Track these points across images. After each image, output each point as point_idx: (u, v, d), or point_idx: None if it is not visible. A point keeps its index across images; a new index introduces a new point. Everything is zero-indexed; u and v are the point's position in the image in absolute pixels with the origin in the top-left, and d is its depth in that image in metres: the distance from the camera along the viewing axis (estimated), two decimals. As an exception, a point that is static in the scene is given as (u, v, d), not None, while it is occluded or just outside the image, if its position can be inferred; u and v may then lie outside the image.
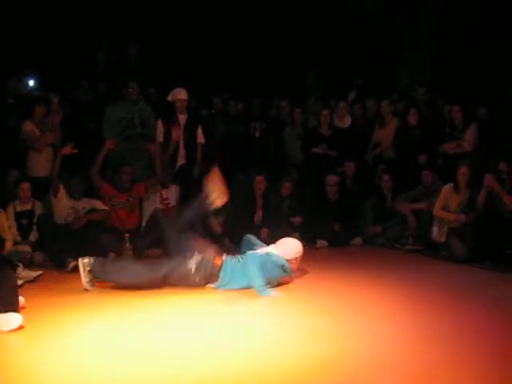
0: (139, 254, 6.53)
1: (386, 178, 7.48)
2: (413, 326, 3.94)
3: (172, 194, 7.24)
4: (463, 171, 6.44)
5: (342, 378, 3.09)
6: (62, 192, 6.56)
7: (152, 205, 7.06)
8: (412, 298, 4.68)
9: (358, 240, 7.29)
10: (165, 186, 7.19)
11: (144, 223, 7.04)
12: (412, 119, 7.70)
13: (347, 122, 8.27)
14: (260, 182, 7.29)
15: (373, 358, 3.35)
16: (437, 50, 10.02)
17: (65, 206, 6.53)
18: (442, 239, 6.46)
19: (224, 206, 7.25)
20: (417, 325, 3.97)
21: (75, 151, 6.53)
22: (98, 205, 6.70)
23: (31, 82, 8.33)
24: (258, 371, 3.15)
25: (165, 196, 7.09)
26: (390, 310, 4.35)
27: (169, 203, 7.04)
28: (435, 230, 6.55)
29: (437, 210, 6.53)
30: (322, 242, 7.08)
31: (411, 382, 3.07)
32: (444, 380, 3.06)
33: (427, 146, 7.49)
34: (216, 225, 7.05)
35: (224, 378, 3.09)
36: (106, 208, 6.72)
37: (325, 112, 8.13)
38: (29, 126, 7.07)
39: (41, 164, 7.09)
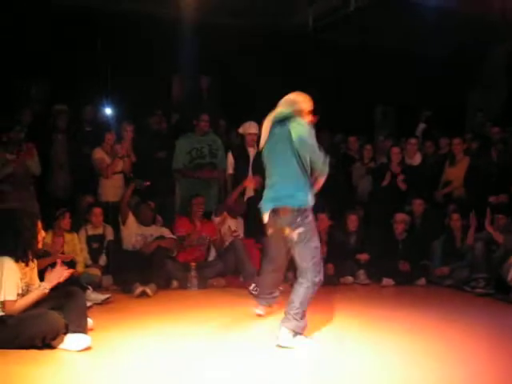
0: (204, 284, 6.59)
1: (455, 217, 7.30)
2: (480, 370, 3.79)
3: (240, 225, 7.27)
4: None
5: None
6: (131, 219, 6.70)
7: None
8: (485, 342, 4.51)
9: (422, 281, 7.11)
10: (234, 217, 7.22)
11: (213, 252, 7.07)
12: (494, 154, 7.49)
13: (417, 159, 8.15)
14: (321, 220, 7.21)
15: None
16: (508, 88, 9.81)
17: (134, 232, 6.68)
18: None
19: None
20: (484, 368, 3.82)
21: (148, 184, 6.68)
22: (167, 233, 6.81)
23: (108, 111, 8.59)
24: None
25: (233, 228, 7.12)
26: (462, 354, 4.21)
27: (238, 235, 7.06)
28: (511, 273, 6.30)
29: None
30: (388, 281, 6.94)
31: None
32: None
33: (501, 186, 7.28)
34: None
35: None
36: (174, 236, 6.81)
37: (395, 149, 8.02)
38: (99, 153, 7.29)
39: (111, 190, 7.29)
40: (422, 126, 9.18)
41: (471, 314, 5.64)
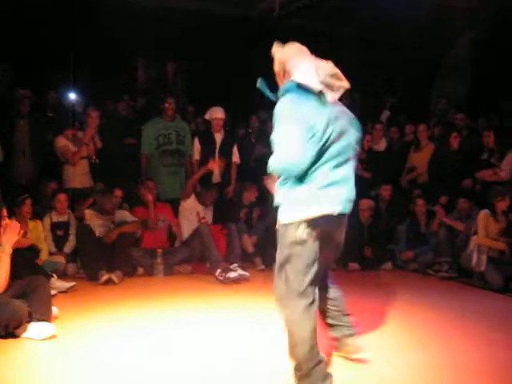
0: (170, 270, 6.57)
1: (420, 202, 7.40)
2: (444, 354, 3.87)
3: (209, 212, 7.27)
4: (501, 200, 6.35)
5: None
6: (88, 215, 6.61)
7: (188, 222, 7.07)
8: (445, 325, 4.61)
9: (388, 265, 7.21)
10: (205, 205, 7.21)
11: (181, 239, 7.05)
12: (454, 142, 7.61)
13: (382, 145, 8.23)
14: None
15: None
16: (472, 76, 9.94)
17: (95, 225, 6.57)
18: (482, 268, 6.31)
19: (257, 224, 7.35)
20: (448, 353, 3.90)
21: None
22: (128, 216, 6.75)
23: (72, 96, 8.46)
24: None
25: (202, 215, 7.10)
26: (419, 336, 4.30)
27: (206, 222, 7.04)
28: (474, 258, 6.42)
29: (481, 239, 6.37)
30: (353, 265, 7.02)
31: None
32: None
33: (464, 171, 7.41)
34: (248, 244, 7.06)
35: None
36: (136, 219, 6.75)
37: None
38: (62, 142, 7.16)
39: (76, 176, 7.18)
40: (386, 113, 9.26)
41: (433, 296, 5.74)
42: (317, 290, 3.11)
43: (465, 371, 3.59)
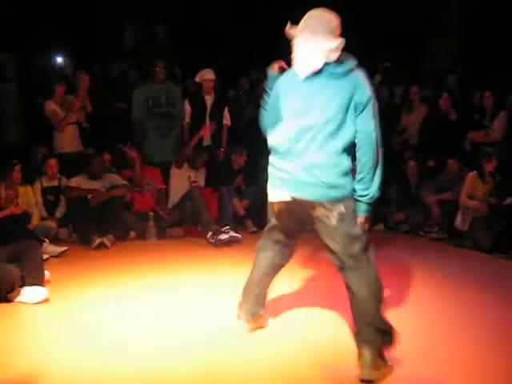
0: (162, 234, 6.59)
1: (411, 164, 7.41)
2: (434, 313, 3.93)
3: (201, 176, 7.26)
4: (488, 161, 6.37)
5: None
6: (77, 181, 6.58)
7: (179, 186, 7.07)
8: (433, 285, 4.66)
9: (380, 226, 7.25)
10: (195, 168, 7.19)
11: (172, 202, 7.04)
12: (443, 104, 7.58)
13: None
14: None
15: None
16: (466, 37, 9.84)
17: (84, 190, 6.55)
18: (465, 228, 6.39)
19: (248, 189, 7.35)
20: (438, 312, 3.96)
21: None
22: (118, 180, 6.74)
23: (59, 59, 8.34)
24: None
25: (193, 178, 7.08)
26: (411, 297, 4.34)
27: (197, 185, 7.04)
28: (458, 218, 6.48)
29: (463, 199, 6.45)
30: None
31: (431, 367, 3.06)
32: (464, 364, 3.07)
33: (455, 133, 7.39)
34: (239, 207, 7.07)
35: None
36: (126, 182, 6.75)
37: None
38: (51, 105, 7.06)
39: (67, 141, 7.12)
40: (378, 77, 9.15)
41: (423, 258, 5.77)
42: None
43: (452, 325, 3.67)
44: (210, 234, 6.20)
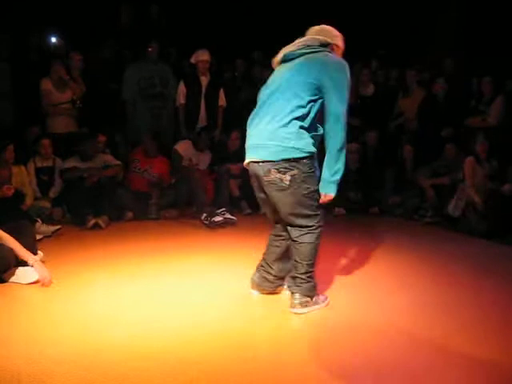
0: (158, 214, 6.58)
1: (408, 148, 7.40)
2: (427, 297, 3.93)
3: (204, 159, 7.23)
4: (481, 145, 6.37)
5: (351, 345, 3.09)
6: (70, 163, 6.56)
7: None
8: (427, 269, 4.66)
9: (375, 209, 7.25)
10: (200, 151, 7.17)
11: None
12: (438, 88, 7.55)
13: (370, 90, 8.15)
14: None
15: (386, 327, 3.36)
16: (465, 21, 9.76)
17: (81, 169, 6.53)
18: (457, 213, 6.38)
19: (243, 170, 7.32)
20: (432, 296, 3.96)
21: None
22: (111, 160, 6.72)
23: (53, 39, 8.24)
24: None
25: (195, 161, 7.05)
26: (404, 281, 4.34)
27: (195, 165, 7.01)
28: (452, 203, 6.47)
29: (469, 191, 6.29)
30: (339, 210, 7.03)
31: (425, 350, 3.07)
32: (458, 347, 3.08)
33: (452, 118, 7.37)
34: (234, 187, 7.05)
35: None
36: (119, 162, 6.75)
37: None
38: (46, 85, 7.03)
39: (61, 121, 7.08)
40: (374, 64, 9.08)
41: (415, 241, 5.78)
42: None
43: (446, 308, 3.68)
44: (204, 215, 6.20)
